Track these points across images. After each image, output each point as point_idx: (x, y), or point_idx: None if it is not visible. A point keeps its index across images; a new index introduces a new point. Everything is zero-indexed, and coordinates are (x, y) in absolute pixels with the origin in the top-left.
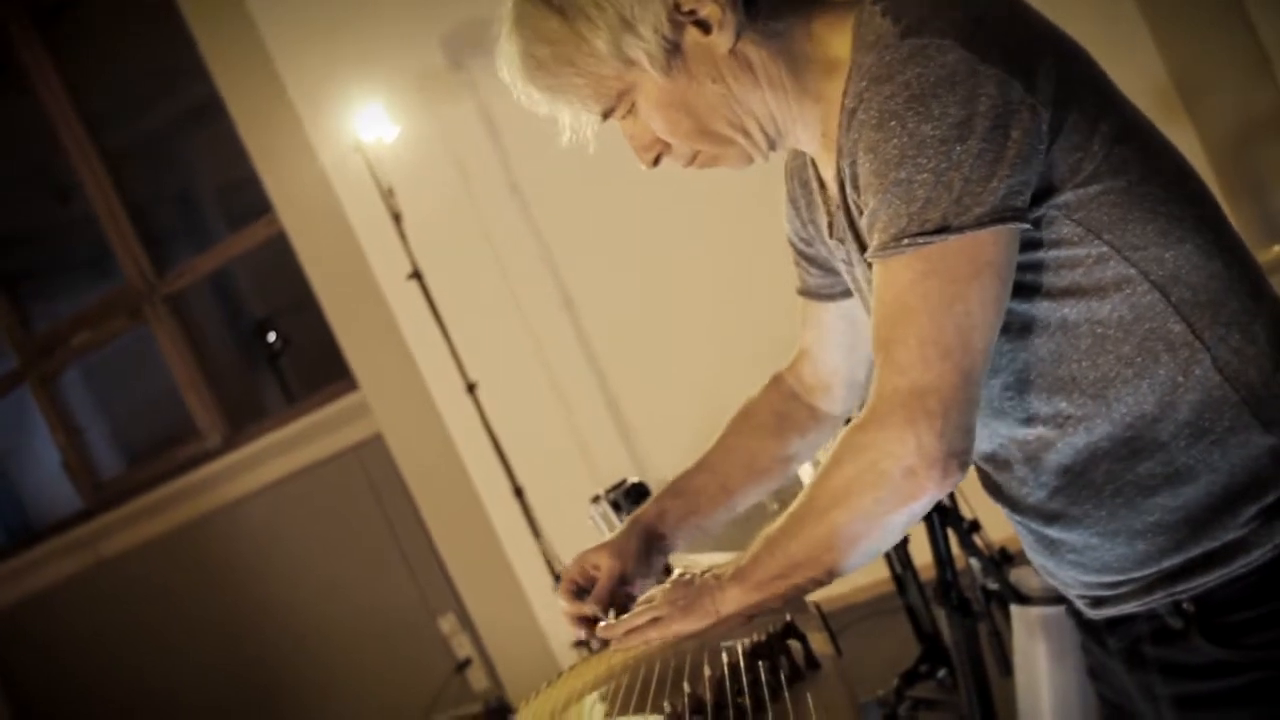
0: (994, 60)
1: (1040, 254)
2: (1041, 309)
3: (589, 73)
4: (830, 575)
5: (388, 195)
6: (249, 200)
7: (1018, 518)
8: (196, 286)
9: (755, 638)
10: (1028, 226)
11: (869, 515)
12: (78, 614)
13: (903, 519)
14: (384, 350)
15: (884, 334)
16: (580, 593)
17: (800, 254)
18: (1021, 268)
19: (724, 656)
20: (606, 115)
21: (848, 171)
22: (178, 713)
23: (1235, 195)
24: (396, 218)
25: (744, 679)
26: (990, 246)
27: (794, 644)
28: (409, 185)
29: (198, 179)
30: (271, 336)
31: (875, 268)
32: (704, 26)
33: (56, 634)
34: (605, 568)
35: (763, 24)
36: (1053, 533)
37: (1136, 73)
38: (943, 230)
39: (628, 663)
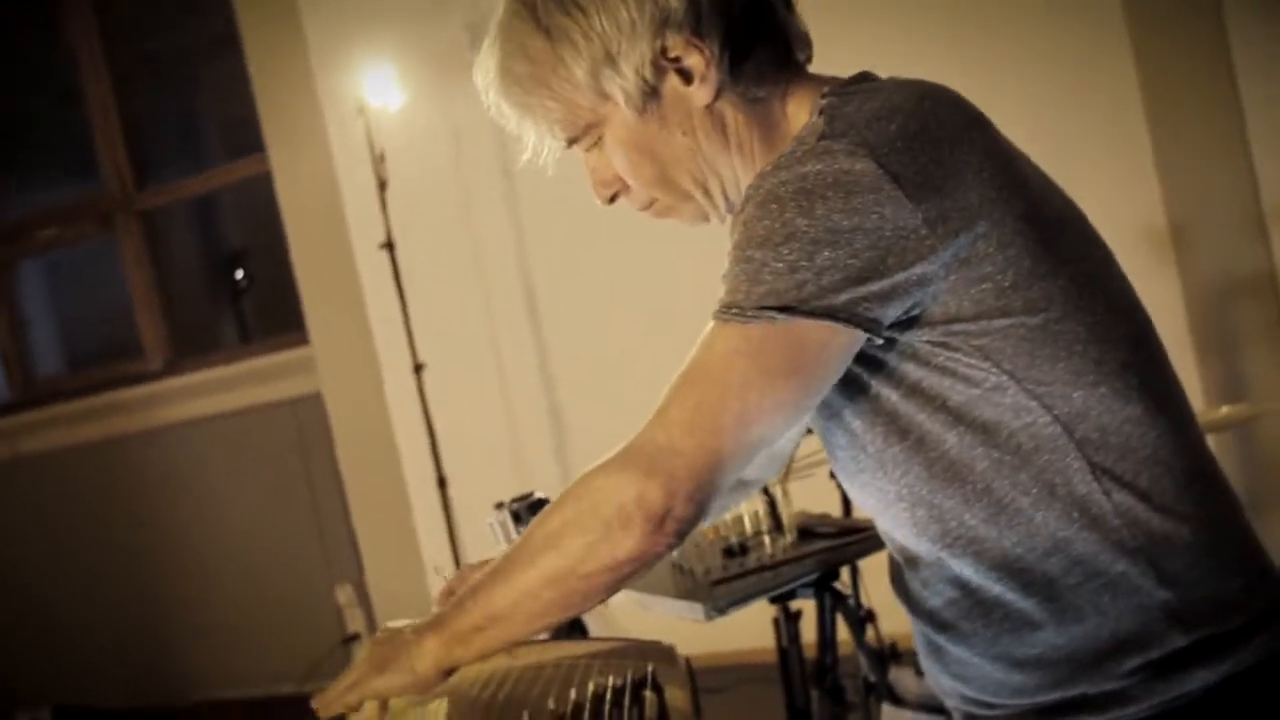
0: (905, 182)
1: (935, 370)
2: (937, 423)
3: (563, 98)
4: (529, 631)
5: (378, 160)
6: (245, 138)
7: (913, 617)
8: (175, 209)
9: (614, 681)
10: (878, 341)
11: (574, 562)
12: None
13: (604, 575)
14: (342, 312)
15: (673, 385)
16: None
17: None
18: (918, 377)
19: (572, 694)
20: (571, 143)
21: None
22: (58, 622)
23: (1204, 349)
24: (382, 184)
25: (585, 718)
26: (814, 345)
27: (650, 695)
28: (401, 156)
29: (199, 107)
30: (239, 274)
31: (709, 325)
32: (686, 76)
33: None
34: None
35: (744, 88)
36: (941, 640)
37: (1135, 208)
38: (770, 310)
39: (481, 676)
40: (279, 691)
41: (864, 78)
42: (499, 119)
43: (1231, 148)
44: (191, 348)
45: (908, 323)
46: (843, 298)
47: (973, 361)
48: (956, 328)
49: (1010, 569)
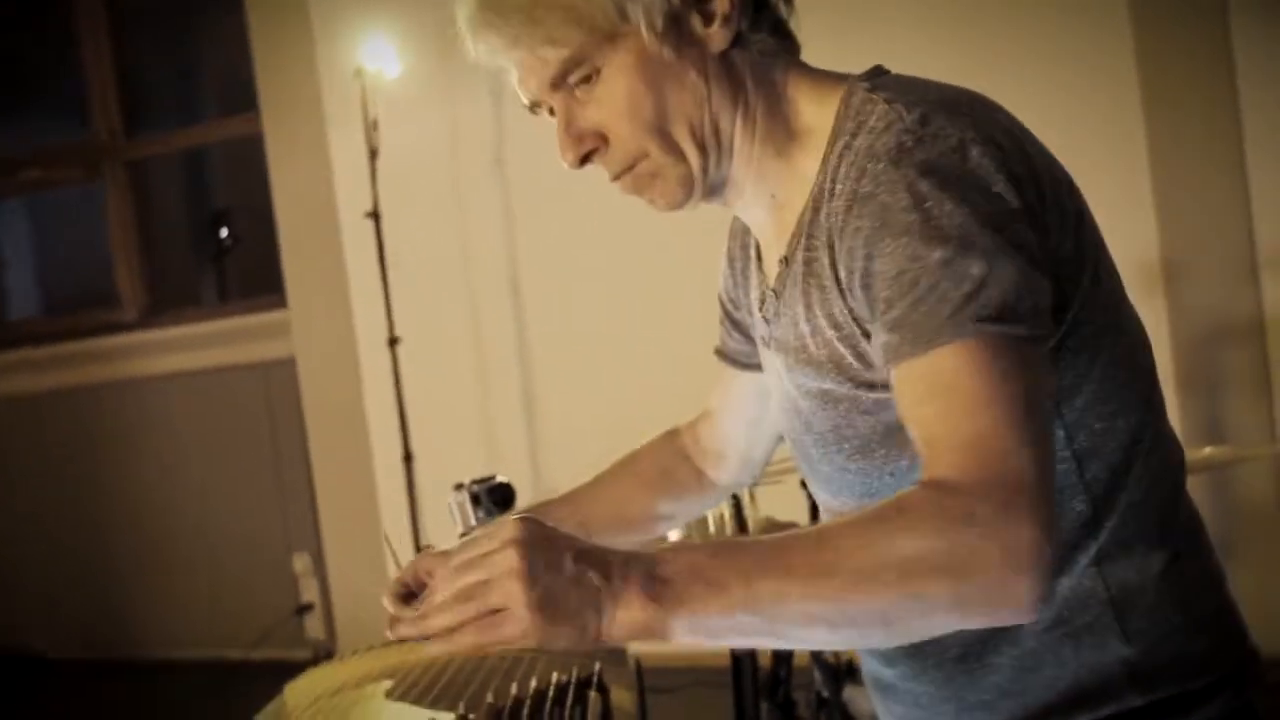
0: (1011, 171)
1: None
2: None
3: (574, 10)
4: (802, 643)
5: (371, 128)
6: (239, 95)
7: (864, 652)
8: (163, 161)
9: (557, 676)
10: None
11: (931, 605)
12: None
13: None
14: (322, 279)
15: (960, 429)
16: (408, 596)
17: (727, 314)
18: None
19: (514, 688)
20: (560, 78)
21: (842, 259)
22: (7, 567)
23: (1188, 388)
24: (373, 153)
25: (523, 716)
26: (1044, 351)
27: (594, 695)
28: (395, 126)
29: (196, 60)
30: (224, 232)
31: (907, 369)
32: (707, 15)
33: None
34: (437, 579)
35: (757, 45)
36: (889, 674)
37: (1130, 240)
38: (1006, 320)
39: (422, 661)
40: (227, 656)
41: (882, 71)
42: (480, 34)
43: (1231, 189)
44: (169, 302)
45: None
46: (1044, 283)
47: None
48: None
49: None
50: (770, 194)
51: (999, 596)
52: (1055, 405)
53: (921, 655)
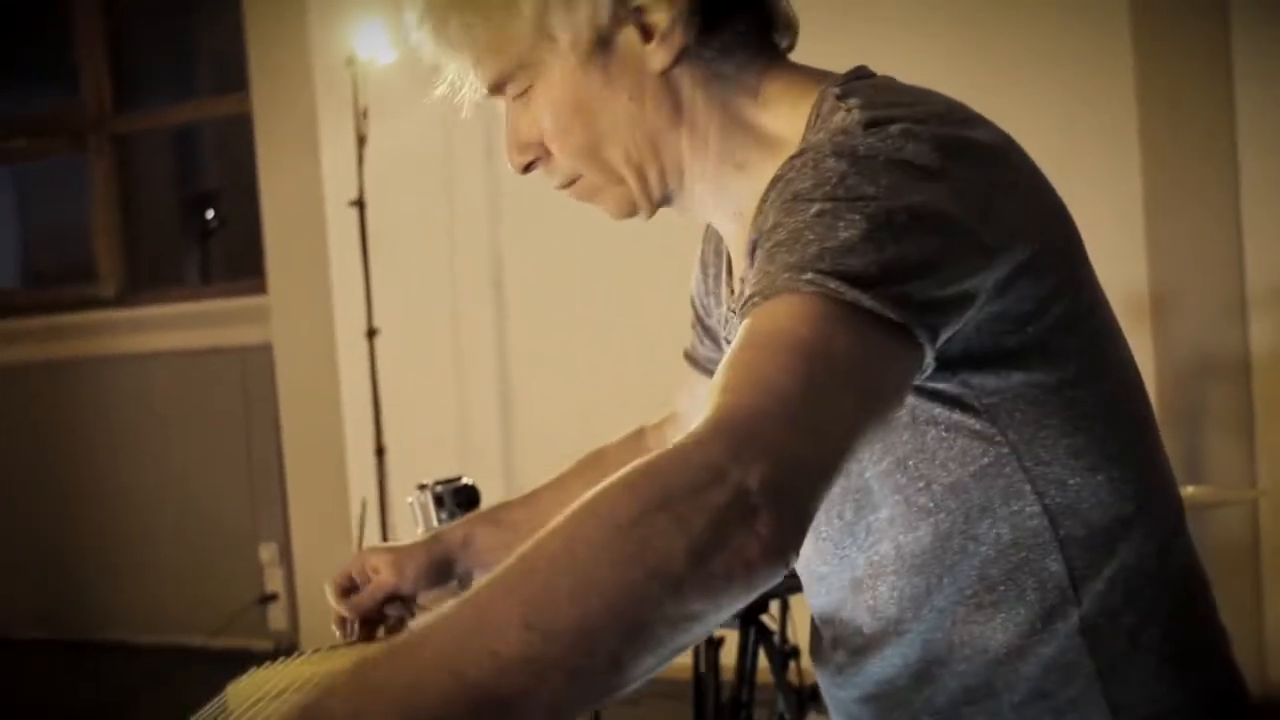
0: (958, 179)
1: (933, 439)
2: (914, 508)
3: (497, 27)
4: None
5: (361, 116)
6: (230, 75)
7: (831, 702)
8: (151, 138)
9: None
10: (924, 371)
11: (675, 577)
12: None
13: (727, 592)
14: (304, 266)
15: (743, 358)
16: (350, 590)
17: (699, 319)
18: (909, 450)
19: None
20: (494, 90)
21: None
22: None
23: (1171, 425)
24: (361, 140)
25: None
26: (902, 351)
27: None
28: (385, 115)
29: (188, 36)
30: (210, 214)
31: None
32: (645, 32)
33: None
34: (380, 577)
35: (709, 60)
36: (859, 713)
37: (1119, 271)
38: (863, 285)
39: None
40: (188, 642)
41: (863, 73)
42: (416, 42)
43: (1224, 224)
44: (149, 280)
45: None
46: (927, 281)
47: (978, 427)
48: (974, 378)
49: (952, 671)
50: (735, 210)
51: (728, 551)
52: (1016, 455)
53: (892, 716)
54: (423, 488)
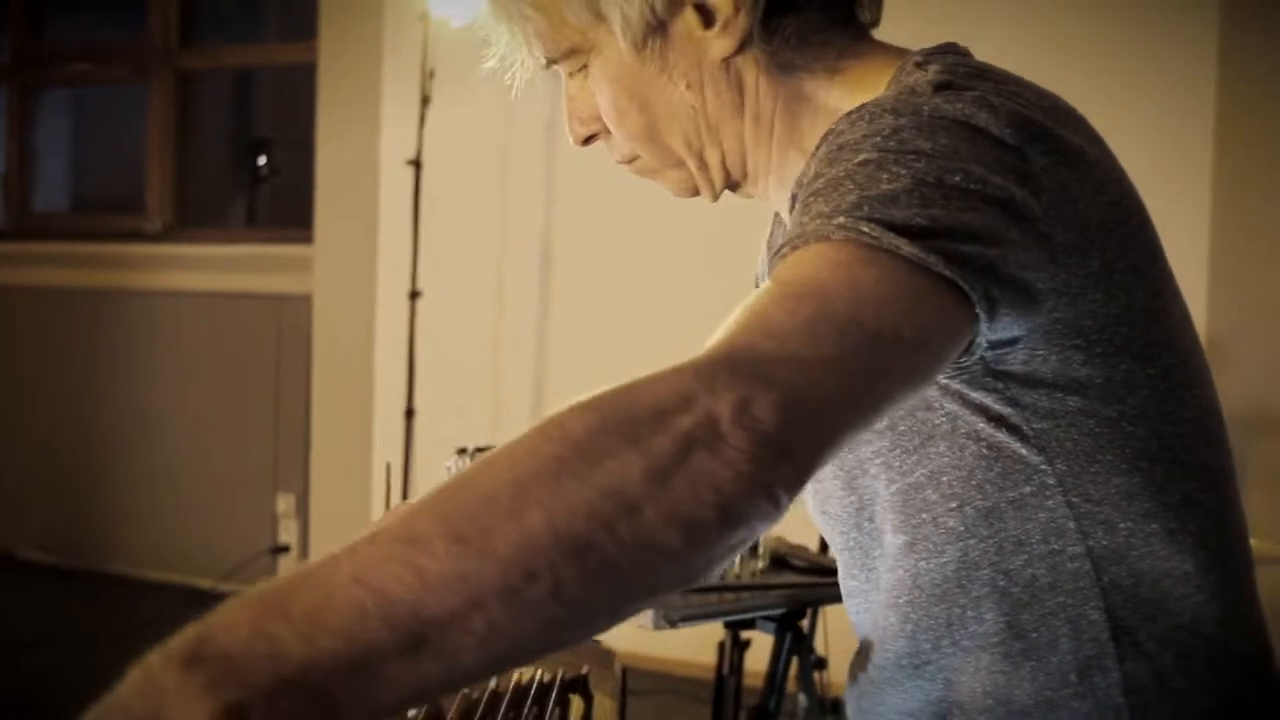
0: (1032, 162)
1: (968, 449)
2: (943, 530)
3: (548, 9)
4: (484, 661)
5: (427, 75)
6: (300, 22)
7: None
8: (213, 78)
9: (540, 674)
10: (974, 352)
11: (630, 497)
12: None
13: (676, 532)
14: (353, 220)
15: (751, 304)
16: None
17: None
18: (943, 465)
19: (493, 680)
20: (550, 64)
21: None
22: None
23: None
24: (425, 100)
25: (500, 713)
26: (949, 306)
27: (576, 700)
28: (451, 77)
29: None
30: (262, 160)
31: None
32: (706, 17)
33: None
34: None
35: (777, 49)
36: None
37: None
38: (905, 234)
39: None
40: (195, 583)
41: (954, 48)
42: (476, 14)
43: None
44: (195, 219)
45: (983, 367)
46: (978, 246)
47: (1024, 452)
48: (1027, 397)
49: (974, 718)
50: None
51: (692, 475)
52: (1063, 489)
53: None
54: (462, 453)
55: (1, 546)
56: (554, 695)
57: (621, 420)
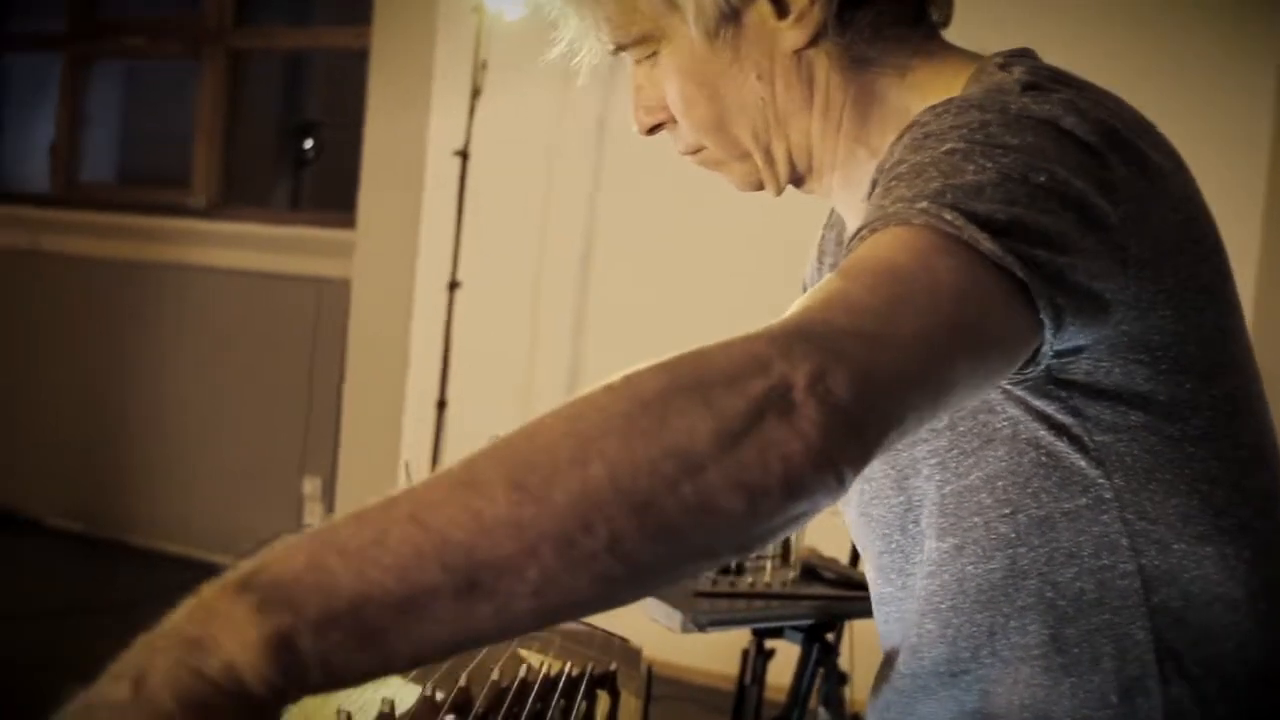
0: (1111, 169)
1: (1027, 456)
2: (993, 536)
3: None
4: (535, 610)
5: (479, 68)
6: (354, 7)
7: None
8: (265, 59)
9: (569, 667)
10: (1039, 363)
11: (696, 458)
12: None
13: (741, 498)
14: (397, 208)
15: (829, 283)
16: None
17: None
18: (999, 469)
19: (522, 669)
20: (619, 50)
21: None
22: (19, 422)
23: None
24: (475, 92)
25: (528, 703)
26: (1019, 313)
27: (603, 696)
28: (502, 70)
29: None
30: (309, 143)
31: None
32: (780, 8)
33: None
34: None
35: (850, 41)
36: None
37: None
38: (986, 228)
39: None
40: (214, 559)
41: (1029, 53)
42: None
43: None
44: (239, 198)
45: (1046, 375)
46: (1061, 249)
47: (1083, 464)
48: (1091, 408)
49: None
50: (859, 197)
51: (762, 442)
52: (1119, 504)
53: None
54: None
55: (30, 512)
56: (582, 689)
57: (693, 381)
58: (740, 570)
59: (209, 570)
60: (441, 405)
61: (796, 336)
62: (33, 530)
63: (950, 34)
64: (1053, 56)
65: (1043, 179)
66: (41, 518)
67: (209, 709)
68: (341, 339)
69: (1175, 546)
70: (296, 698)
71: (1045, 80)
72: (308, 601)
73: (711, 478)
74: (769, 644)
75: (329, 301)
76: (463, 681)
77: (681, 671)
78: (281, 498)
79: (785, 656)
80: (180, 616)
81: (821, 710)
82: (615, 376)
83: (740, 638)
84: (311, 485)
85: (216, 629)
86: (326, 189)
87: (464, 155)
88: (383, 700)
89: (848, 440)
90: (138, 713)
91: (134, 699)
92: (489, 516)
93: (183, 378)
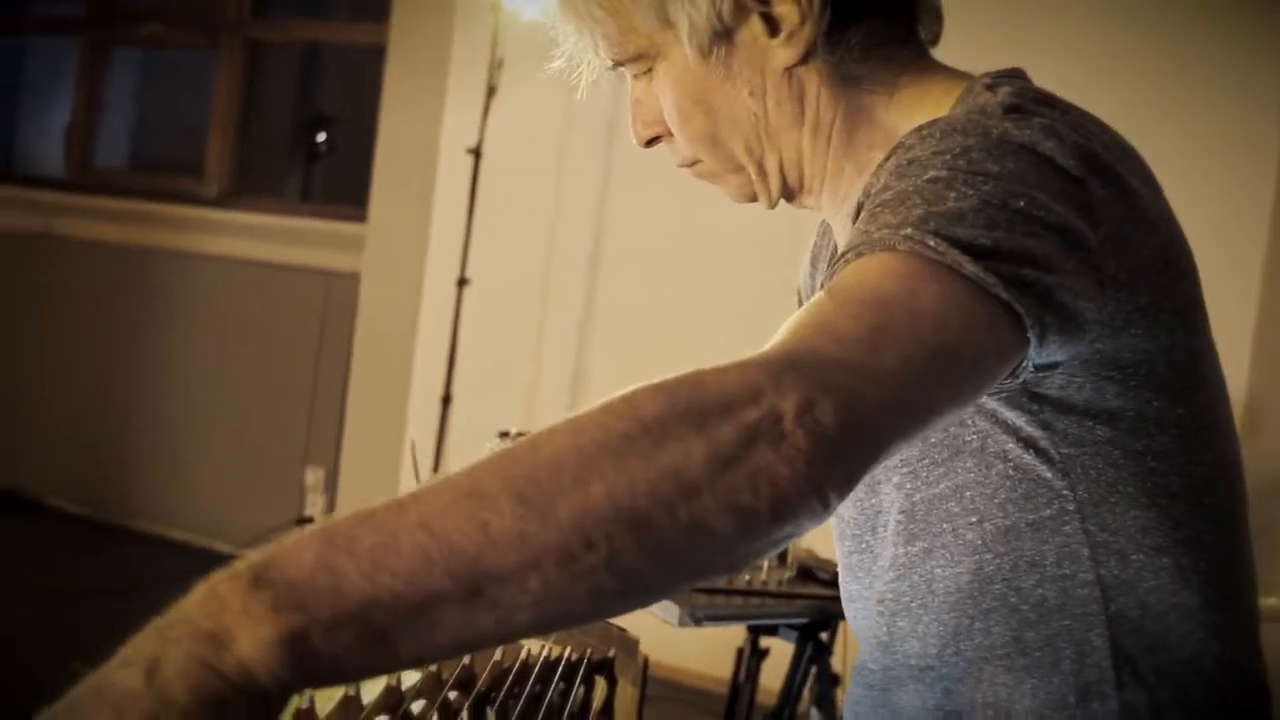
0: (1091, 193)
1: (994, 468)
2: (960, 544)
3: (618, 13)
4: (534, 620)
5: (495, 65)
6: (372, 3)
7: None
8: (283, 50)
9: (569, 652)
10: (1018, 377)
11: (691, 481)
12: None
13: (730, 519)
14: (408, 204)
15: (814, 307)
16: None
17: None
18: (967, 480)
19: (523, 652)
20: (616, 66)
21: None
22: (29, 405)
23: (1254, 535)
24: (491, 90)
25: (529, 684)
26: (1003, 331)
27: (601, 681)
28: (519, 67)
29: None
30: (321, 136)
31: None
32: (772, 26)
33: None
34: None
35: (839, 60)
36: None
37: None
38: (968, 252)
39: None
40: (216, 547)
41: (1018, 73)
42: (544, 17)
43: None
44: (251, 188)
45: (1021, 388)
46: (1039, 271)
47: (1049, 476)
48: (1059, 422)
49: None
50: (846, 212)
51: (752, 468)
52: (1081, 515)
53: None
54: (504, 435)
55: (32, 493)
56: (580, 674)
57: (690, 406)
58: None
59: (210, 557)
60: (446, 400)
61: (786, 366)
62: (37, 512)
63: (954, 37)
64: (1057, 61)
65: (1022, 204)
66: (46, 500)
67: (221, 703)
68: (348, 332)
69: (1134, 557)
70: (302, 690)
71: (1028, 103)
72: (320, 603)
73: (705, 500)
74: (764, 644)
75: (337, 294)
76: (466, 660)
77: (675, 673)
78: (284, 488)
79: (777, 661)
80: (192, 606)
81: (814, 711)
82: (615, 396)
83: (734, 639)
84: (314, 476)
85: (231, 623)
86: (337, 183)
87: (477, 153)
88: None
89: (832, 467)
90: (151, 703)
91: (147, 688)
92: (495, 528)
93: (189, 365)
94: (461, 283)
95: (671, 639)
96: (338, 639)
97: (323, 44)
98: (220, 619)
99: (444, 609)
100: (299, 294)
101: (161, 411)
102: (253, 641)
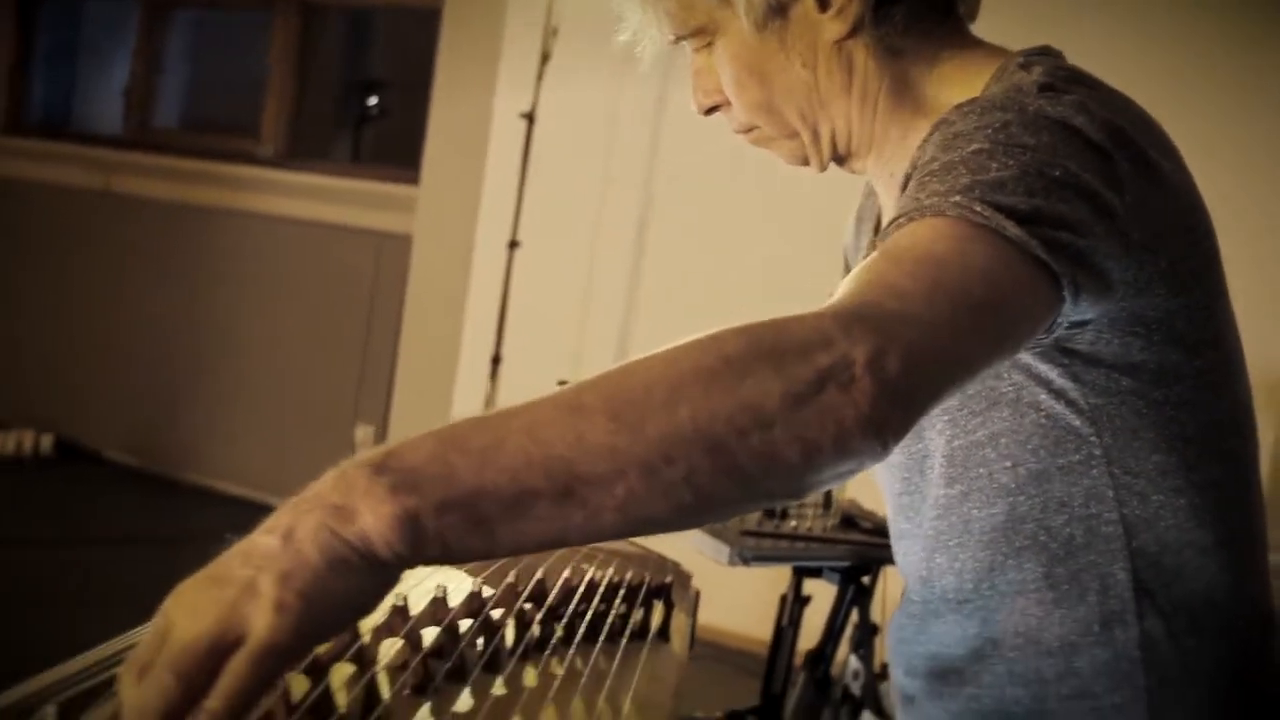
0: (1118, 163)
1: (1028, 417)
2: (995, 486)
3: None
4: (617, 523)
5: (550, 33)
6: None
7: (897, 649)
8: (338, 12)
9: (630, 576)
10: (1053, 331)
11: (767, 414)
12: (49, 219)
13: (797, 448)
14: (461, 166)
15: (872, 266)
16: None
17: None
18: (1002, 428)
19: (590, 571)
20: (678, 40)
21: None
22: (85, 358)
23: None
24: (545, 57)
25: (594, 603)
26: (1042, 291)
27: (658, 606)
28: (573, 35)
29: None
30: (373, 100)
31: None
32: (822, 2)
33: (24, 226)
34: None
35: (885, 32)
36: (912, 686)
37: (1257, 347)
38: (1012, 217)
39: None
40: (259, 498)
41: (1050, 50)
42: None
43: None
44: (305, 149)
45: (1052, 343)
46: (1076, 234)
47: (1077, 424)
48: (1088, 374)
49: (1005, 652)
50: (889, 173)
51: (822, 406)
52: (1107, 460)
53: (947, 683)
54: (562, 384)
55: (91, 446)
56: (641, 598)
57: (770, 348)
58: (785, 515)
59: (261, 510)
60: (496, 361)
61: (855, 318)
62: (93, 462)
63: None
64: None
65: (1058, 174)
66: (104, 452)
67: (345, 564)
68: (400, 292)
69: (1154, 498)
70: (414, 566)
71: (1060, 81)
72: (433, 488)
73: (777, 432)
74: (806, 591)
75: (390, 255)
76: (540, 574)
77: (715, 634)
78: (333, 444)
79: (816, 612)
80: (324, 485)
81: (852, 657)
82: (703, 334)
83: (773, 598)
84: (363, 433)
85: (356, 500)
86: (387, 146)
87: (530, 118)
88: (437, 586)
89: (893, 411)
90: (288, 559)
91: (284, 548)
92: (590, 439)
93: (243, 322)
94: (512, 245)
95: (715, 598)
96: (446, 521)
97: (376, 8)
98: (348, 496)
99: (539, 505)
100: (352, 254)
101: (216, 367)
102: (373, 517)
